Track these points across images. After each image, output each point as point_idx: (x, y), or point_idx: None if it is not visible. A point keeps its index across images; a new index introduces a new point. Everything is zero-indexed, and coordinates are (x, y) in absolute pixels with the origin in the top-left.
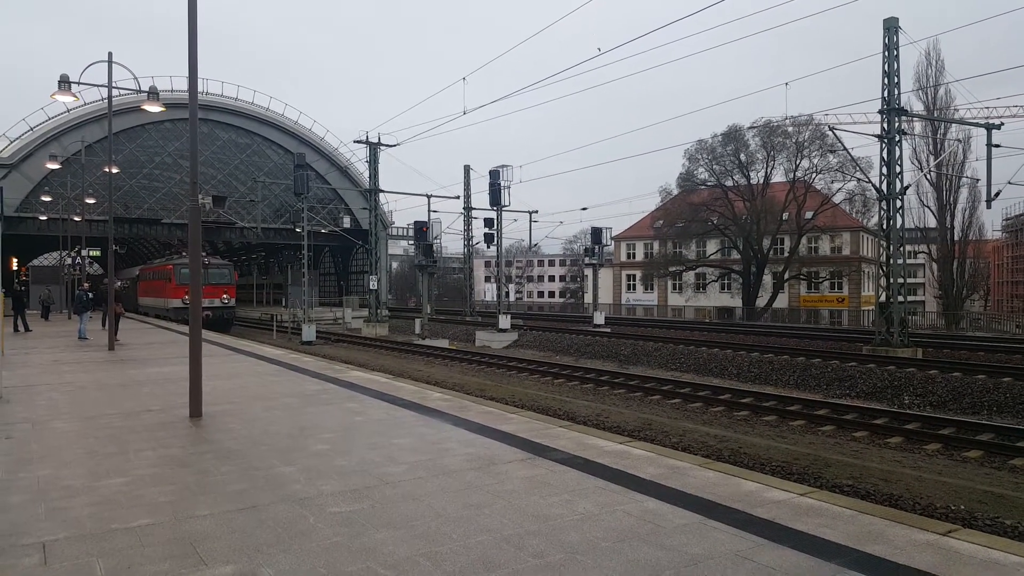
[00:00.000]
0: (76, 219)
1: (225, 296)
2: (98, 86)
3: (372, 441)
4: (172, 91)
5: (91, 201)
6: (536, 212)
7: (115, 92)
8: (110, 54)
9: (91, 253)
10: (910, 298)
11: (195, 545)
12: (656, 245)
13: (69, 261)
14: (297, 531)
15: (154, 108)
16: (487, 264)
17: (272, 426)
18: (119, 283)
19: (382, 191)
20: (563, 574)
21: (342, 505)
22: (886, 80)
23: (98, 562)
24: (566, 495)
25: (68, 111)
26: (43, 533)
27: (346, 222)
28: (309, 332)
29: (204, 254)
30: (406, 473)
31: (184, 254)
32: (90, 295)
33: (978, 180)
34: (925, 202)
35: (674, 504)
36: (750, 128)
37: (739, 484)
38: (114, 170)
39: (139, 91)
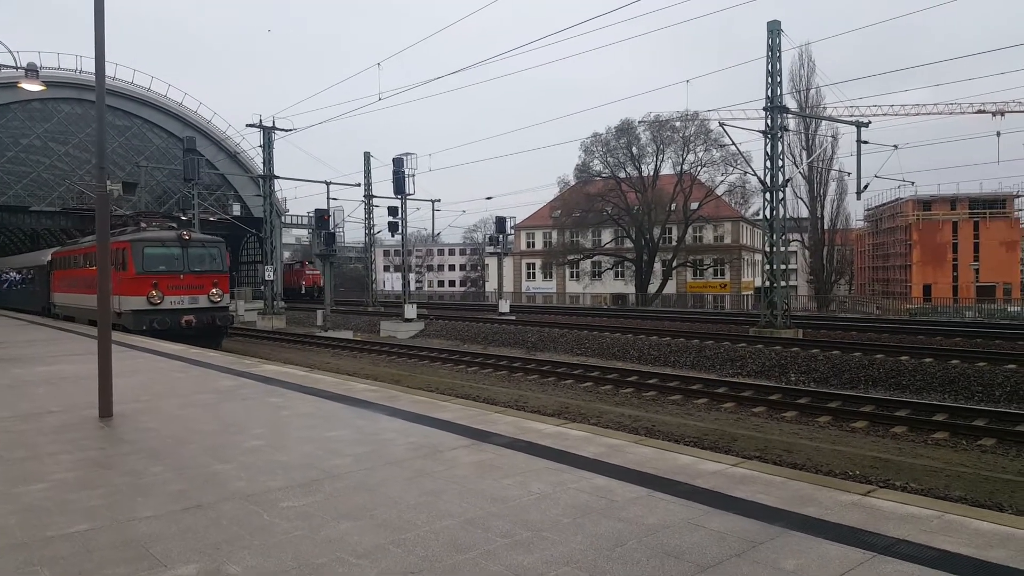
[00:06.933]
0: None
1: (215, 291)
2: None
3: (306, 435)
4: (40, 68)
5: None
6: (439, 201)
7: None
8: None
9: None
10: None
11: (147, 547)
12: (555, 234)
13: None
14: (254, 527)
15: (34, 87)
16: (386, 253)
17: (193, 424)
18: (15, 274)
19: (277, 177)
20: (533, 551)
21: (294, 500)
22: (769, 80)
23: (43, 570)
24: (518, 477)
25: None
26: None
27: (236, 209)
28: None
29: (173, 224)
30: (352, 464)
31: (143, 225)
32: None
33: (849, 173)
34: (798, 194)
35: (621, 479)
36: (641, 123)
37: (675, 458)
38: None
39: (12, 67)
